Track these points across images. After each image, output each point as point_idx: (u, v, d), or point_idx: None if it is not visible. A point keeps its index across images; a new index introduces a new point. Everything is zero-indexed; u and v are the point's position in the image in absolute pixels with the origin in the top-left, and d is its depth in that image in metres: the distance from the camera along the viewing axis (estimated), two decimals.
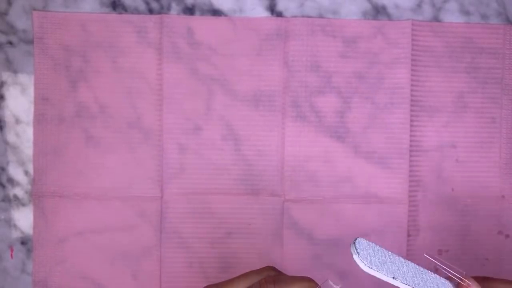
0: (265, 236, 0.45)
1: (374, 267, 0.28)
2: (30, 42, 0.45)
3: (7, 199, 0.45)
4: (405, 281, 0.28)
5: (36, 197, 0.45)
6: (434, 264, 0.33)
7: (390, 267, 0.29)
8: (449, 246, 0.46)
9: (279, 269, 0.35)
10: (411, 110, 0.45)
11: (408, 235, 0.46)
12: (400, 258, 0.30)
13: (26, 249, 0.45)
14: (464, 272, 0.33)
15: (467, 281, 0.32)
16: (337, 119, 0.46)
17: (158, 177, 0.45)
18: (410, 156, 0.46)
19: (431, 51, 0.46)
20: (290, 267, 0.45)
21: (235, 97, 0.45)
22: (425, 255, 0.33)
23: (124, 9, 0.45)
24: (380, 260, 0.29)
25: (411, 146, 0.46)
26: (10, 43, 0.45)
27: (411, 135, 0.46)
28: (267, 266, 0.35)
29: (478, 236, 0.46)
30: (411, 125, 0.46)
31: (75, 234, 0.45)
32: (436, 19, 0.46)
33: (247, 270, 0.35)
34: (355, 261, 0.28)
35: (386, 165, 0.46)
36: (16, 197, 0.45)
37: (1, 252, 0.45)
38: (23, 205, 0.45)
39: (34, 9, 0.45)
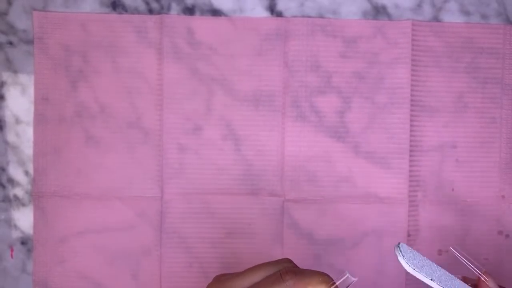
0: (265, 236, 0.45)
1: (417, 269, 0.32)
2: (30, 42, 0.45)
3: (7, 199, 0.45)
4: (440, 283, 0.32)
5: (36, 197, 0.45)
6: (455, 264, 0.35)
7: (428, 270, 0.33)
8: (449, 246, 0.46)
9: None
10: (411, 110, 0.45)
11: (408, 235, 0.46)
12: (433, 263, 0.34)
13: (26, 249, 0.45)
14: (484, 269, 0.35)
15: (484, 277, 0.35)
16: (337, 119, 0.46)
17: (158, 177, 0.45)
18: (410, 156, 0.46)
19: (431, 51, 0.46)
20: None
21: (235, 97, 0.45)
22: (451, 248, 0.36)
23: (124, 9, 0.45)
24: (419, 263, 0.33)
25: (411, 146, 0.46)
26: (10, 43, 0.45)
27: (411, 135, 0.46)
28: (284, 258, 0.33)
29: (478, 236, 0.46)
30: (411, 125, 0.46)
31: (75, 234, 0.45)
32: (436, 19, 0.46)
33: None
34: (400, 263, 0.32)
35: (386, 165, 0.46)
36: (16, 197, 0.45)
37: (1, 252, 0.45)
38: (23, 205, 0.45)
39: (34, 9, 0.45)
